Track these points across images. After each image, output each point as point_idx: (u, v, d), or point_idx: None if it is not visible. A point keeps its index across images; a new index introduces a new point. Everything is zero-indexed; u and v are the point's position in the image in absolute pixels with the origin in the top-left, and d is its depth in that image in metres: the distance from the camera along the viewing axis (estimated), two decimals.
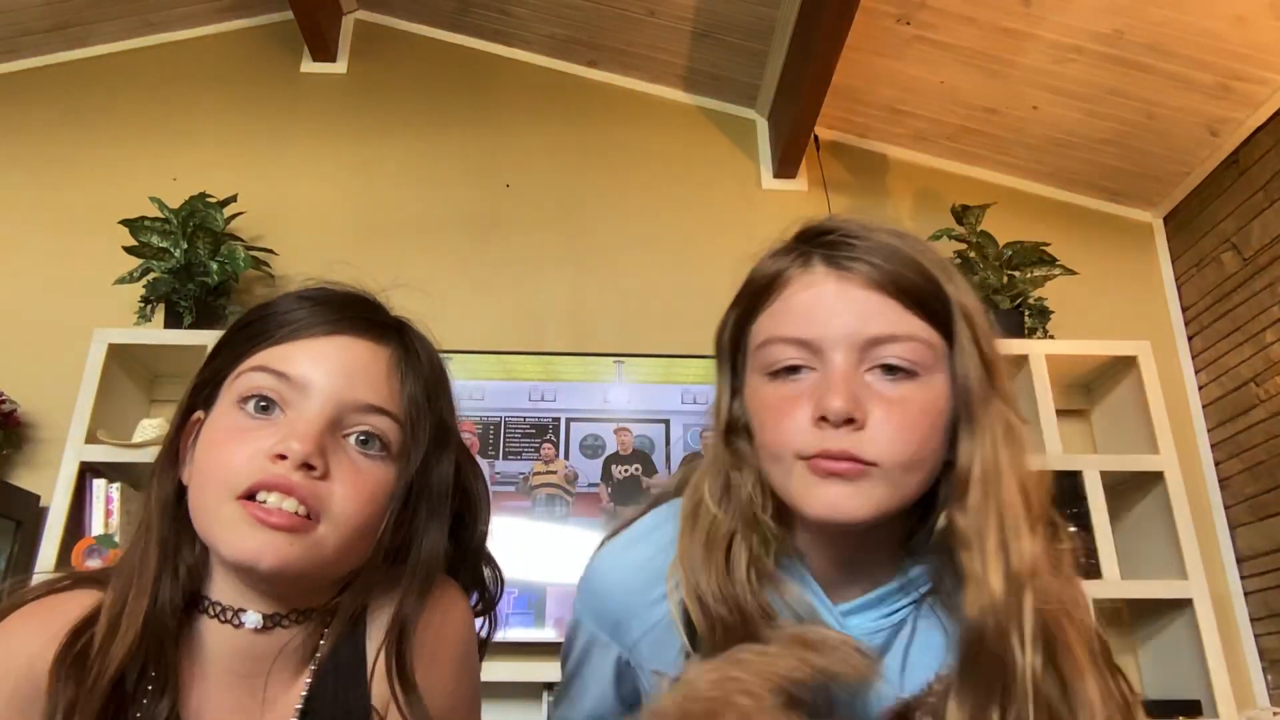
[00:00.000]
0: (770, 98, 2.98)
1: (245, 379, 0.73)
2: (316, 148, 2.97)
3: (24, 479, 2.43)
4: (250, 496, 0.68)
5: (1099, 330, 2.73)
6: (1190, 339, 2.86)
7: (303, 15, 2.89)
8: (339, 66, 3.11)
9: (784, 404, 0.68)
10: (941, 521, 0.69)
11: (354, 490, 0.71)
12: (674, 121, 3.08)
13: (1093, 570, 2.26)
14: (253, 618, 0.73)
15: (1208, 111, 2.64)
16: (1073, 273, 2.64)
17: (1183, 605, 2.28)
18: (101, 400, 2.29)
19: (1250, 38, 2.40)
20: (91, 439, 2.25)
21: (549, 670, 2.18)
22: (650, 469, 2.47)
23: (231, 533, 0.68)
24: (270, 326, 0.76)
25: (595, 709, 0.83)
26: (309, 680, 0.75)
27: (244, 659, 0.74)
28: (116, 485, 2.27)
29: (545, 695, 2.19)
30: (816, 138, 2.95)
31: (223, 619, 0.73)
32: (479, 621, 0.87)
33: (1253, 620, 2.54)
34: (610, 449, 2.50)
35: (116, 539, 2.20)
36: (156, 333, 2.45)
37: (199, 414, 0.76)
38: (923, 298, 0.68)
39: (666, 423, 2.53)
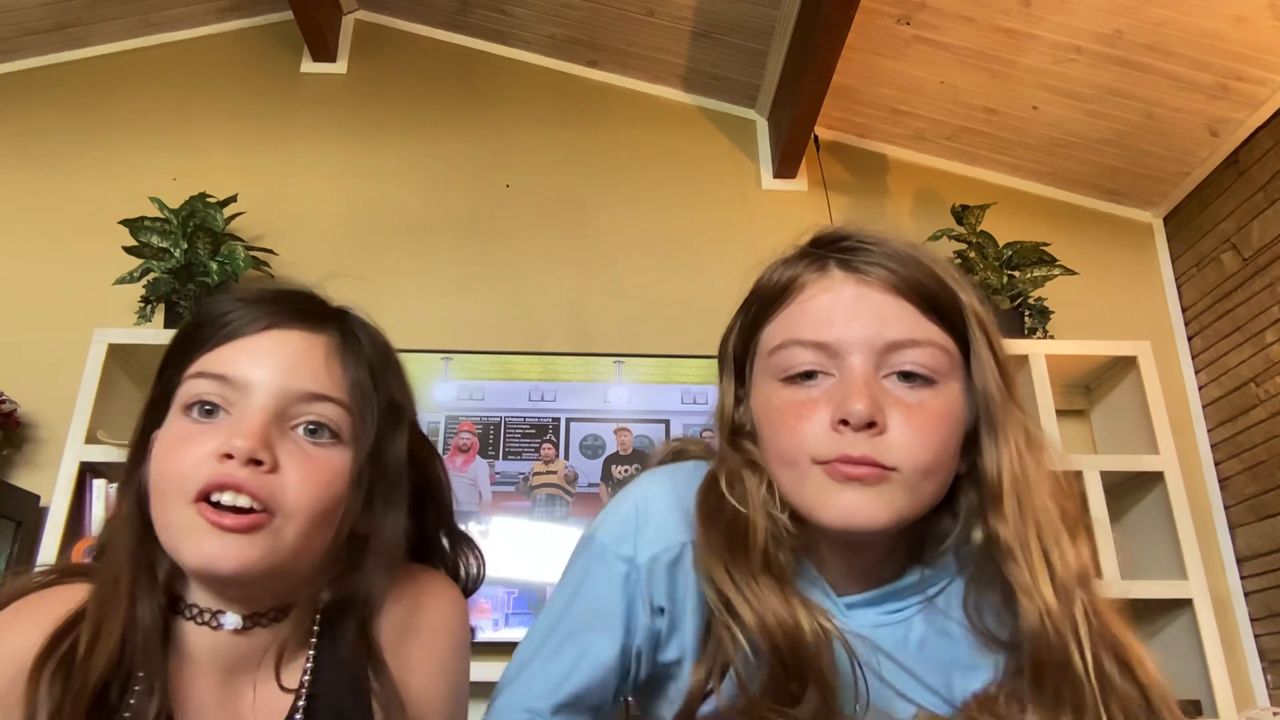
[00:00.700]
0: (770, 98, 2.98)
1: (187, 387, 0.73)
2: (316, 148, 2.97)
3: (24, 479, 2.43)
4: (206, 499, 0.68)
5: (1099, 330, 2.73)
6: (1190, 339, 2.86)
7: (303, 15, 2.89)
8: (339, 66, 3.11)
9: (800, 408, 0.67)
10: (978, 535, 0.68)
11: (307, 478, 0.71)
12: (674, 121, 3.08)
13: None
14: (231, 619, 0.73)
15: (1208, 111, 2.64)
16: (1073, 273, 2.64)
17: (1182, 605, 2.28)
18: (101, 400, 2.29)
19: (1250, 38, 2.40)
20: (91, 439, 2.25)
21: None
22: None
23: (189, 539, 0.68)
24: (207, 333, 0.76)
25: (600, 656, 0.74)
26: (307, 677, 0.75)
27: (229, 659, 0.74)
28: (116, 485, 2.27)
29: None
30: (816, 138, 2.95)
31: (200, 621, 0.74)
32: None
33: (1253, 620, 2.54)
34: (610, 449, 2.50)
35: None
36: (157, 333, 2.45)
37: (156, 433, 0.76)
38: (939, 305, 0.68)
39: (666, 423, 2.53)
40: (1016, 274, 2.63)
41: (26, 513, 2.31)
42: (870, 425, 0.64)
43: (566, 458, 2.47)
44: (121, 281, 2.54)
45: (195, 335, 0.77)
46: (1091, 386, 2.71)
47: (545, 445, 2.48)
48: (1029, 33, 2.53)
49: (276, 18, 3.13)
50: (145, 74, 3.06)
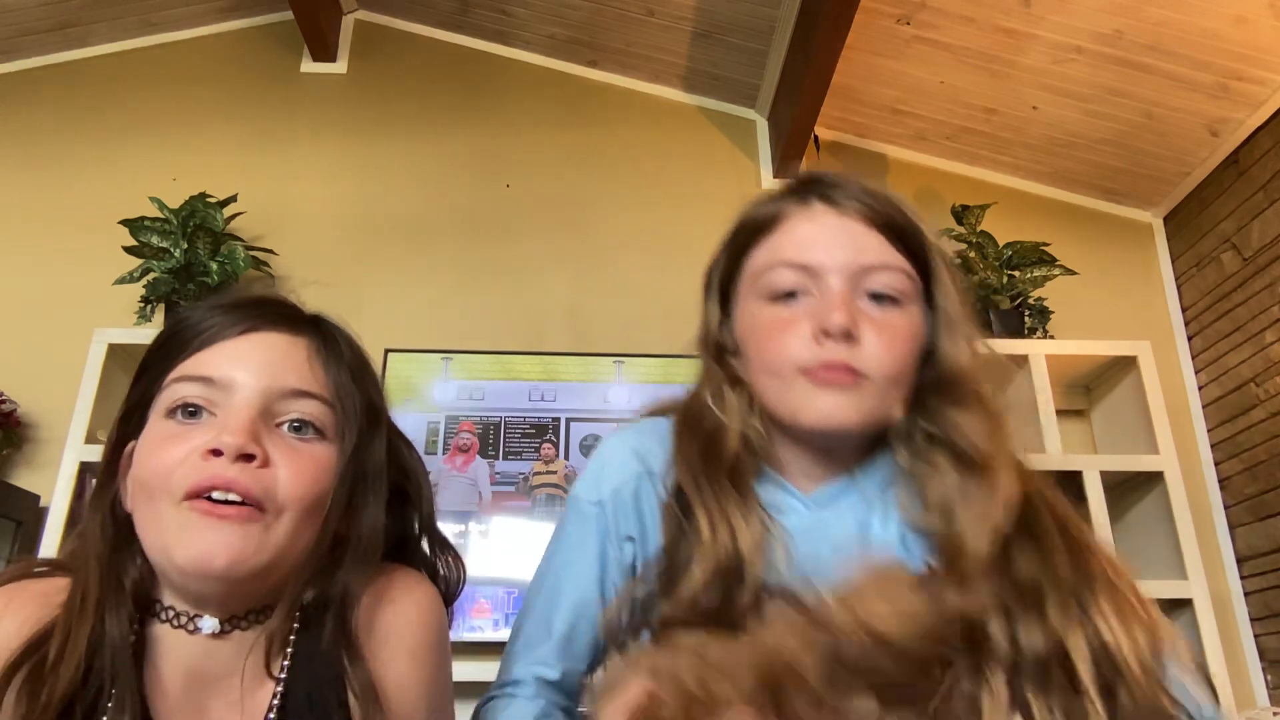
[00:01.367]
0: (770, 98, 2.98)
1: (169, 392, 0.73)
2: (316, 148, 2.97)
3: (24, 479, 2.43)
4: (197, 497, 0.68)
5: (1099, 330, 2.73)
6: (1190, 339, 2.86)
7: (303, 15, 2.89)
8: (339, 66, 3.11)
9: (785, 323, 0.76)
10: (925, 428, 0.77)
11: (297, 470, 0.71)
12: (674, 121, 3.08)
13: None
14: (209, 623, 0.73)
15: (1208, 111, 2.64)
16: (1073, 273, 2.64)
17: (1183, 605, 2.28)
18: (101, 400, 2.29)
19: (1250, 38, 2.40)
20: (91, 439, 2.25)
21: None
22: None
23: (181, 536, 0.68)
24: (186, 339, 0.76)
25: (578, 591, 0.83)
26: (284, 675, 0.74)
27: (206, 664, 0.73)
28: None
29: None
30: (816, 138, 2.95)
31: (176, 624, 0.73)
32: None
33: (1252, 620, 2.54)
34: None
35: None
36: (156, 333, 2.45)
37: (131, 444, 0.76)
38: (906, 237, 0.77)
39: None
40: (1016, 274, 2.63)
41: (26, 513, 2.31)
42: (847, 336, 0.73)
43: (566, 458, 2.47)
44: (121, 281, 2.54)
45: (172, 342, 0.77)
46: (1091, 386, 2.71)
47: (545, 445, 2.48)
48: (1029, 33, 2.53)
49: (276, 18, 3.13)
50: (145, 74, 3.06)
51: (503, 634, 2.28)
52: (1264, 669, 2.49)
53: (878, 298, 0.75)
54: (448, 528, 2.39)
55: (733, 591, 0.70)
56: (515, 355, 2.62)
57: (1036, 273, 2.63)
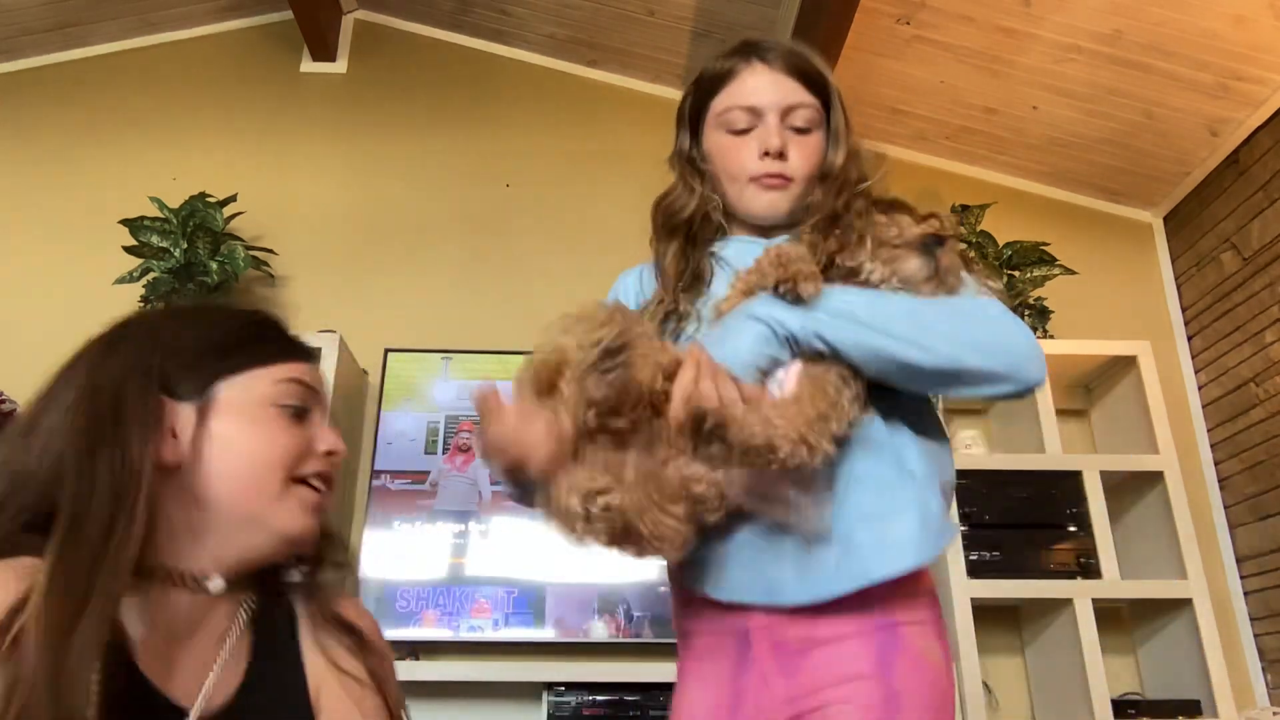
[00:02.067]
0: None
1: (282, 388, 0.84)
2: (316, 148, 2.97)
3: None
4: (302, 480, 0.83)
5: (1099, 330, 2.73)
6: (1190, 339, 2.86)
7: (303, 15, 2.89)
8: (339, 66, 3.11)
9: (741, 146, 1.12)
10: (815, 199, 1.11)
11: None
12: (674, 121, 3.07)
13: (1092, 570, 2.26)
14: (217, 583, 0.79)
15: (1207, 111, 2.64)
16: (1072, 272, 2.64)
17: (1182, 605, 2.29)
18: None
19: (1250, 38, 2.40)
20: None
21: (549, 670, 2.19)
22: None
23: (287, 509, 0.81)
24: (292, 348, 0.88)
25: None
26: (251, 641, 0.82)
27: (196, 622, 0.79)
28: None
29: (545, 695, 2.19)
30: None
31: (183, 584, 0.78)
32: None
33: (1252, 620, 2.54)
34: None
35: None
36: None
37: (172, 402, 0.79)
38: (816, 85, 1.13)
39: None
40: (1016, 274, 2.63)
41: None
42: (781, 155, 1.09)
43: None
44: (121, 281, 2.54)
45: (280, 344, 0.88)
46: (1091, 386, 2.71)
47: None
48: (1029, 32, 2.53)
49: (276, 17, 3.13)
50: (145, 74, 3.06)
51: (503, 634, 2.28)
52: (1264, 669, 2.49)
53: (798, 129, 1.11)
54: (448, 527, 2.40)
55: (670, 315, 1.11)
56: (515, 355, 2.61)
57: (1036, 273, 2.63)
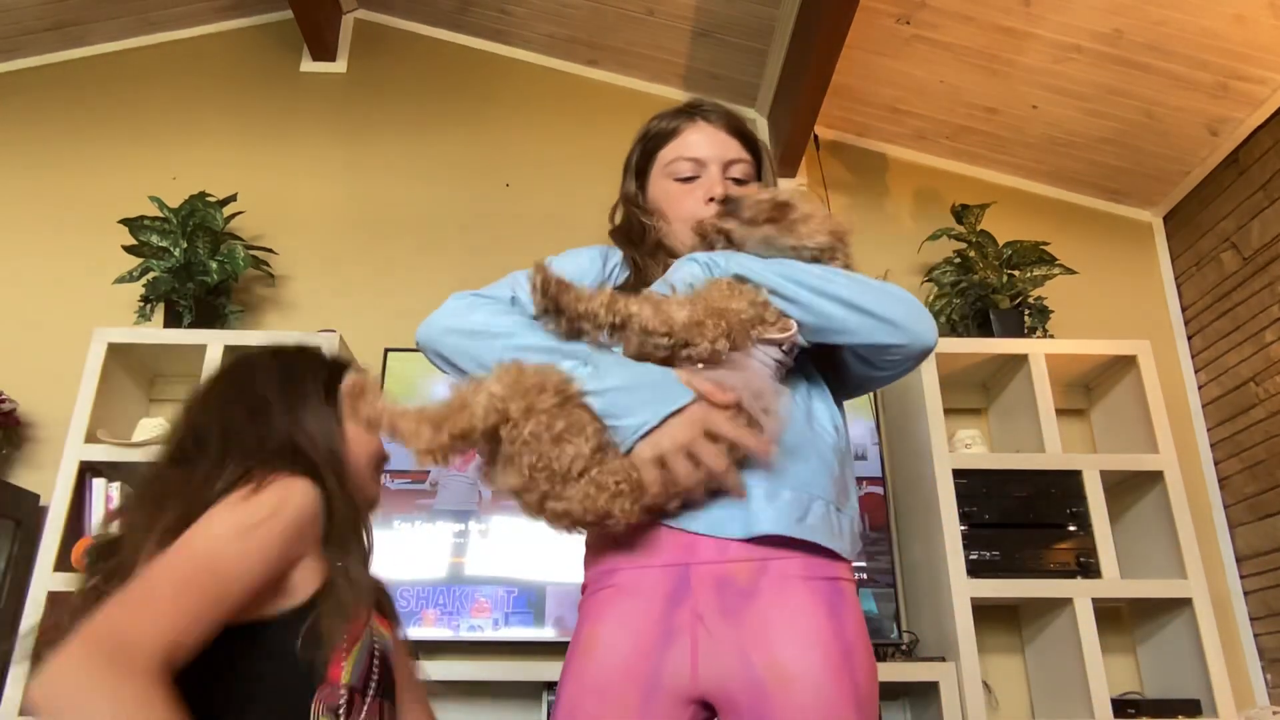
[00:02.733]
0: (770, 97, 2.98)
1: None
2: (316, 147, 2.97)
3: (24, 479, 2.43)
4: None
5: (1099, 330, 2.73)
6: (1190, 338, 2.86)
7: (302, 15, 2.89)
8: (339, 66, 3.11)
9: (685, 194, 1.25)
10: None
11: None
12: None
13: (1092, 570, 2.26)
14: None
15: (1208, 111, 2.64)
16: (1073, 272, 2.64)
17: (1182, 605, 2.28)
18: (101, 400, 2.29)
19: (1250, 37, 2.40)
20: (91, 438, 2.25)
21: (549, 670, 2.18)
22: None
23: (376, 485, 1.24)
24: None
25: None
26: None
27: None
28: (116, 485, 2.27)
29: (545, 695, 2.19)
30: (816, 137, 2.95)
31: None
32: None
33: (1252, 620, 2.54)
34: None
35: None
36: (156, 332, 2.45)
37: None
38: (750, 142, 1.28)
39: None
40: (1016, 273, 2.63)
41: (26, 512, 2.31)
42: (725, 201, 1.16)
43: None
44: (121, 281, 2.54)
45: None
46: (1091, 386, 2.71)
47: None
48: (1029, 32, 2.53)
49: (276, 17, 3.13)
50: (145, 73, 3.06)
51: (503, 633, 2.28)
52: (1264, 668, 2.49)
53: (736, 180, 1.24)
54: (447, 527, 2.40)
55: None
56: None
57: (1036, 272, 2.63)
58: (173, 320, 2.49)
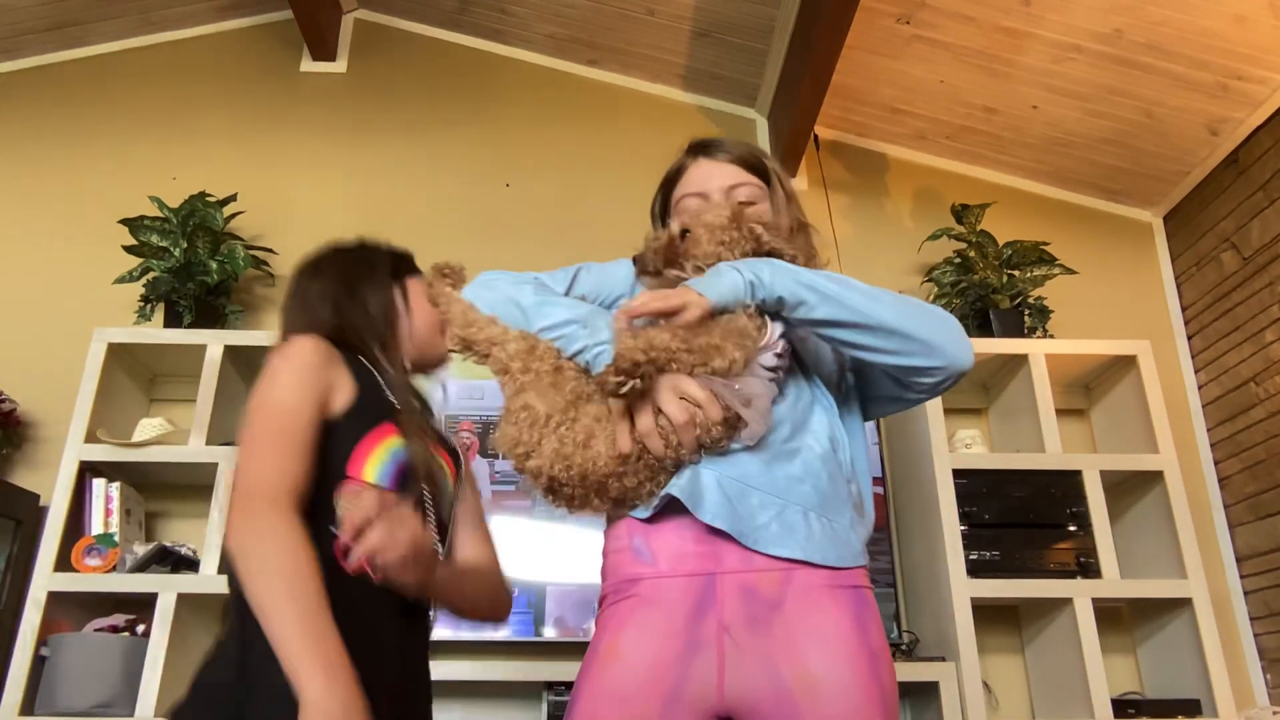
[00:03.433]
0: (770, 97, 2.98)
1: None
2: (316, 147, 2.97)
3: (24, 478, 2.43)
4: None
5: (1099, 330, 2.73)
6: (1190, 338, 2.86)
7: (303, 14, 2.89)
8: (339, 66, 3.11)
9: None
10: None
11: None
12: (674, 121, 3.08)
13: (1092, 569, 2.26)
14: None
15: (1207, 111, 2.64)
16: (1073, 272, 2.64)
17: (1182, 605, 2.28)
18: (101, 400, 2.29)
19: (1250, 37, 2.40)
20: (91, 438, 2.25)
21: (549, 670, 2.18)
22: None
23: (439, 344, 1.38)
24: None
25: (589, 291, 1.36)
26: None
27: None
28: (116, 484, 2.27)
29: (545, 695, 2.19)
30: (816, 137, 2.95)
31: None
32: None
33: (1252, 619, 2.54)
34: None
35: (116, 538, 2.20)
36: (156, 332, 2.45)
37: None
38: (755, 167, 1.29)
39: None
40: (1016, 273, 2.63)
41: (26, 512, 2.31)
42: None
43: None
44: (121, 281, 2.54)
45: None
46: (1091, 386, 2.71)
47: None
48: (1029, 32, 2.53)
49: (276, 17, 3.13)
50: (145, 73, 3.06)
51: (503, 634, 2.28)
52: (1264, 668, 2.49)
53: (742, 203, 1.22)
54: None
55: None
56: None
57: (1036, 272, 2.63)
58: (173, 320, 2.49)
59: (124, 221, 2.50)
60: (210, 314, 2.50)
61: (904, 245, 2.86)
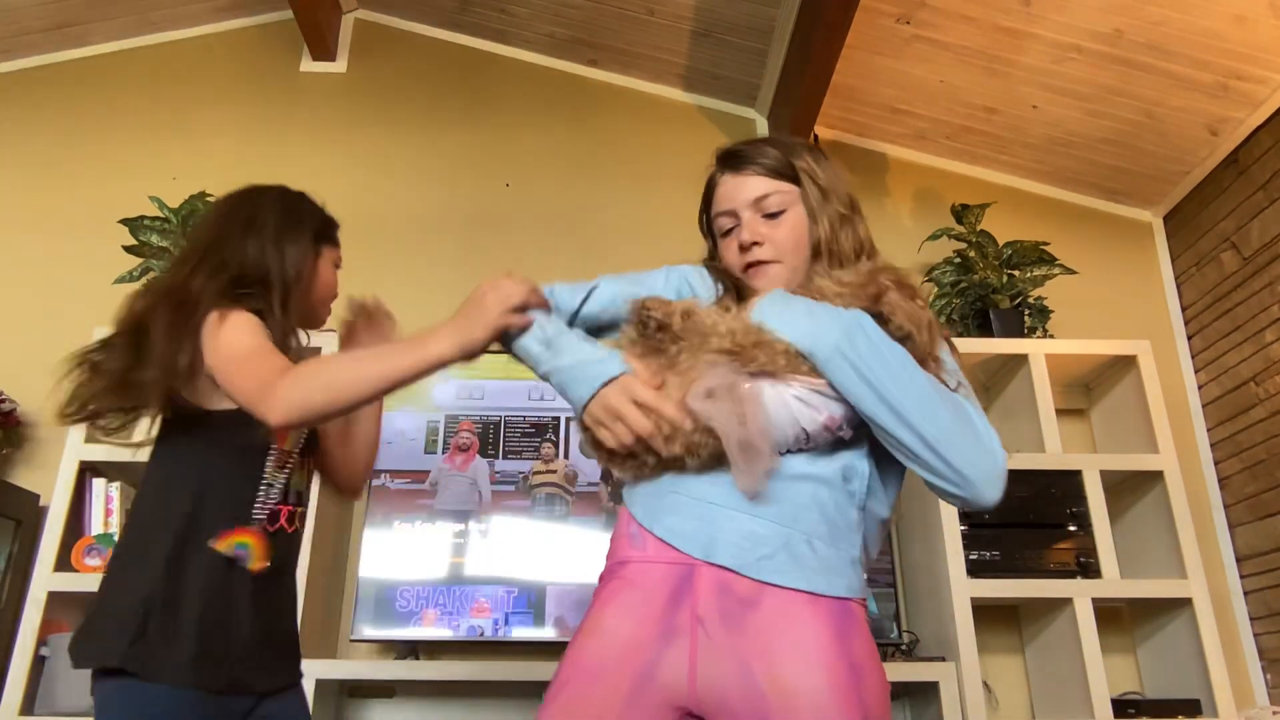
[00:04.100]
0: (770, 97, 2.98)
1: (337, 255, 1.63)
2: (316, 147, 2.97)
3: (24, 478, 2.43)
4: None
5: (1099, 330, 2.73)
6: (1190, 338, 2.86)
7: (302, 14, 2.89)
8: (339, 66, 3.11)
9: (730, 245, 1.27)
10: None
11: None
12: (674, 121, 3.08)
13: (1092, 569, 2.26)
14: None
15: (1207, 111, 2.64)
16: (1072, 272, 2.64)
17: (1182, 605, 2.28)
18: None
19: (1250, 37, 2.40)
20: (91, 439, 2.25)
21: (549, 670, 2.18)
22: None
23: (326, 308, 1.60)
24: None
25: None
26: None
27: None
28: (116, 484, 2.27)
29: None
30: (816, 137, 2.95)
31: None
32: None
33: (1252, 619, 2.54)
34: None
35: (115, 538, 2.20)
36: None
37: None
38: (781, 171, 1.26)
39: None
40: (1016, 273, 2.63)
41: (26, 512, 2.31)
42: (754, 246, 1.22)
43: (566, 457, 2.47)
44: (121, 281, 2.53)
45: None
46: (1091, 386, 2.71)
47: (545, 444, 2.48)
48: (1029, 32, 2.53)
49: (276, 17, 3.13)
50: (145, 73, 3.06)
51: (503, 634, 2.28)
52: (1264, 668, 2.49)
53: (771, 214, 1.23)
54: (447, 527, 2.40)
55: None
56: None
57: (1036, 272, 2.63)
58: None
59: (124, 221, 2.50)
60: None
61: (904, 245, 2.86)
